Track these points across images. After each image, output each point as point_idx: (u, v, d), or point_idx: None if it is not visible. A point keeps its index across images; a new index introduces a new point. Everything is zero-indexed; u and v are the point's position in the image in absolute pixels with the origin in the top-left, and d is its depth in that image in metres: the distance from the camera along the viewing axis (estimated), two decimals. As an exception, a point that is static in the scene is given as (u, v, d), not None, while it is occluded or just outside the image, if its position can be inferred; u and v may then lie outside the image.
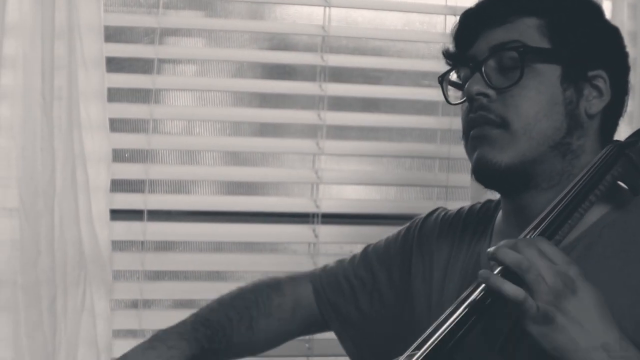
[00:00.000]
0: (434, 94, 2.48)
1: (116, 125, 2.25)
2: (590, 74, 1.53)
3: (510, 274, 1.33)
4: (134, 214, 2.28)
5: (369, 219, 2.45)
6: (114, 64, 2.26)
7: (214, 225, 2.37)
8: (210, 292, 2.36)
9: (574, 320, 1.30)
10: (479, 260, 1.59)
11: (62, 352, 2.11)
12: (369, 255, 1.77)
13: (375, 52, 2.51)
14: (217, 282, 2.40)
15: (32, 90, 2.08)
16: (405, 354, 1.39)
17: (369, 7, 2.47)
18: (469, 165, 2.39)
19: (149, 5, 2.33)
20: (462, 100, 1.57)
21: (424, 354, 1.35)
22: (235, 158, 2.42)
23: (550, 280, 1.30)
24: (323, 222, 2.40)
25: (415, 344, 1.39)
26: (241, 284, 2.40)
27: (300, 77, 2.45)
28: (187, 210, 2.36)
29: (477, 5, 1.59)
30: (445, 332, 1.36)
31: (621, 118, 1.59)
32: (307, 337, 2.37)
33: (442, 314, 1.41)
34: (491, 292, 1.33)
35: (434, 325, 1.39)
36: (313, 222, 2.40)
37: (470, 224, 1.67)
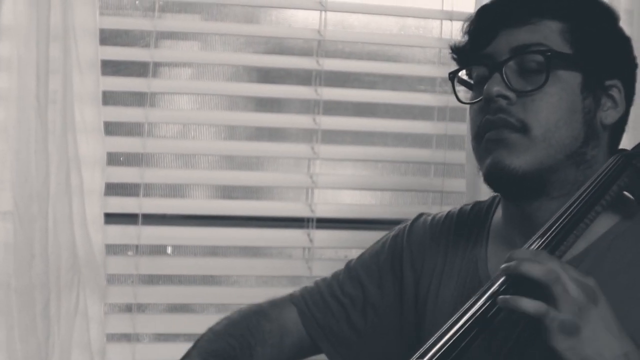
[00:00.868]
0: (430, 99, 2.49)
1: (111, 128, 2.25)
2: (607, 83, 1.50)
3: (518, 285, 1.31)
4: (128, 218, 2.27)
5: (364, 223, 2.45)
6: (110, 67, 2.25)
7: (208, 230, 2.37)
8: (205, 296, 2.38)
9: (598, 330, 1.28)
10: (476, 266, 1.56)
11: (56, 355, 2.10)
12: (355, 270, 1.69)
13: (371, 57, 2.51)
14: (212, 287, 2.40)
15: (26, 93, 2.08)
16: None
17: (365, 11, 2.47)
18: (464, 170, 2.43)
19: (145, 8, 2.33)
20: (476, 100, 1.51)
21: None
22: (231, 162, 2.42)
23: (575, 292, 1.28)
24: (318, 227, 2.40)
25: (417, 354, 1.36)
26: (235, 288, 2.43)
27: (295, 82, 2.44)
28: (182, 214, 2.35)
29: (496, 3, 1.53)
30: (449, 343, 1.33)
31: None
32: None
33: (437, 321, 1.39)
34: (508, 310, 1.30)
35: (437, 335, 1.36)
36: (308, 227, 2.40)
37: (463, 228, 1.63)
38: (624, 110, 1.52)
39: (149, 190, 2.32)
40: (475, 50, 1.52)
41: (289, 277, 2.42)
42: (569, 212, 1.42)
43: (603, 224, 1.47)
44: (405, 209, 2.51)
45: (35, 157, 2.08)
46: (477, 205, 1.66)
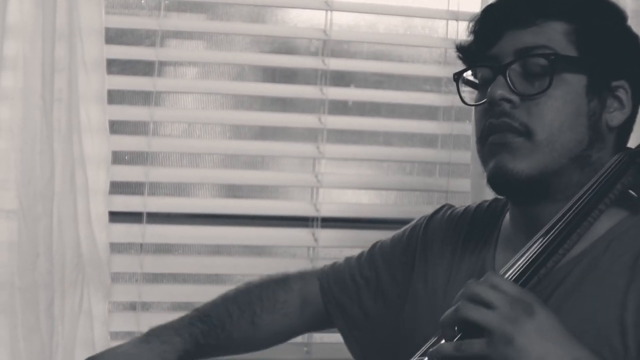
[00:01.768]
0: (435, 98, 2.49)
1: (116, 127, 2.25)
2: (614, 84, 1.48)
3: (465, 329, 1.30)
4: (133, 216, 2.27)
5: (368, 223, 2.45)
6: (115, 66, 2.25)
7: (213, 228, 2.37)
8: (209, 294, 2.36)
9: (534, 339, 1.26)
10: (484, 267, 1.54)
11: (60, 354, 2.10)
12: (376, 253, 1.72)
13: (377, 57, 2.51)
14: (216, 285, 2.39)
15: (32, 92, 2.08)
16: None
17: (371, 11, 2.46)
18: (469, 170, 2.43)
19: (151, 7, 2.33)
20: (480, 102, 1.49)
21: None
22: (235, 161, 2.42)
23: (505, 308, 1.27)
24: (323, 226, 2.40)
25: (422, 350, 1.37)
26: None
27: (301, 81, 2.45)
28: (187, 213, 2.36)
29: (501, 3, 1.51)
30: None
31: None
32: (305, 340, 2.37)
33: (437, 317, 1.37)
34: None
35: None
36: (313, 226, 2.40)
37: (477, 226, 1.61)
38: (631, 111, 1.50)
39: (154, 188, 2.32)
40: (480, 51, 1.51)
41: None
42: (572, 210, 1.40)
43: (604, 224, 1.45)
44: (410, 208, 2.51)
45: (40, 155, 2.09)
46: (494, 203, 1.64)
